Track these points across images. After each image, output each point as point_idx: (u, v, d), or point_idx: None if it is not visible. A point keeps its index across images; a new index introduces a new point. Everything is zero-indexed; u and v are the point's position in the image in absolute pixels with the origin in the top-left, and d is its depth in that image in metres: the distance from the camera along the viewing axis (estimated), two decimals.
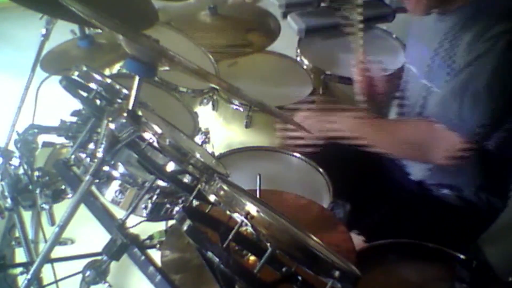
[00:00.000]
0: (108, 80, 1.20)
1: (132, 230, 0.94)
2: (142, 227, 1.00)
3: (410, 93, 1.57)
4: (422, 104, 1.49)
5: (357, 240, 1.44)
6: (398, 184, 1.64)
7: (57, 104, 1.50)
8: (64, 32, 1.81)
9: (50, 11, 1.43)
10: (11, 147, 1.30)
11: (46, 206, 1.21)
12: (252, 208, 0.73)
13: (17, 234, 1.32)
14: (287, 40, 2.33)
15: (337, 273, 0.72)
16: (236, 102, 1.89)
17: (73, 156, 1.10)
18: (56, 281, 1.19)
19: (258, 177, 1.14)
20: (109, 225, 0.96)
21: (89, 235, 1.36)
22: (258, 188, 1.13)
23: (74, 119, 1.22)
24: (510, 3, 1.32)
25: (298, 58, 2.19)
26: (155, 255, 1.00)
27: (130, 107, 0.98)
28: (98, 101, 1.15)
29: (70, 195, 1.18)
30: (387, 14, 2.52)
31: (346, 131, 1.44)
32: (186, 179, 1.04)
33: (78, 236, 1.49)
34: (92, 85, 1.17)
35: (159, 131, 1.00)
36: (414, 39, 1.59)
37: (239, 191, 0.85)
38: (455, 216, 1.55)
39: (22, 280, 1.02)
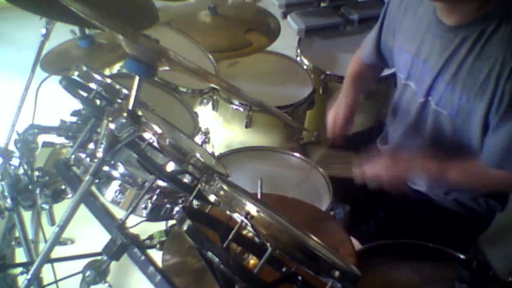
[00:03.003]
0: (108, 80, 1.20)
1: (132, 230, 0.94)
2: (142, 227, 1.00)
3: (405, 107, 1.52)
4: (418, 120, 1.46)
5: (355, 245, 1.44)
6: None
7: (57, 104, 1.50)
8: (64, 32, 1.81)
9: (48, 13, 1.44)
10: (11, 147, 1.30)
11: (46, 206, 1.21)
12: (252, 208, 0.73)
13: (17, 234, 1.32)
14: (287, 40, 2.33)
15: (337, 273, 0.72)
16: (236, 102, 1.88)
17: (73, 156, 1.10)
18: (56, 281, 1.19)
19: (259, 182, 1.14)
20: (109, 225, 0.96)
21: (89, 235, 1.36)
22: (259, 192, 1.13)
23: (74, 119, 1.22)
24: None
25: (298, 58, 2.19)
26: (155, 255, 1.00)
27: (130, 107, 0.98)
28: (98, 101, 1.15)
29: (70, 195, 1.18)
30: None
31: (427, 175, 1.46)
32: (186, 179, 1.04)
33: (78, 236, 1.49)
34: (92, 85, 1.17)
35: (159, 131, 1.00)
36: (406, 54, 1.46)
37: (239, 191, 0.85)
38: (453, 221, 1.54)
39: (22, 280, 1.02)
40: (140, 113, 1.01)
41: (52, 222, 1.25)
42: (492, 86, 1.24)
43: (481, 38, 1.26)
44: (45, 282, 1.17)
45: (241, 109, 1.88)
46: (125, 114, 0.96)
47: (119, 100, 1.15)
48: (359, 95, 1.70)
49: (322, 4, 2.68)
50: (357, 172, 1.43)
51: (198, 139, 1.75)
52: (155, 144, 0.96)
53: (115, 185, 1.05)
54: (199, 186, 0.87)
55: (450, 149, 1.42)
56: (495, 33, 1.24)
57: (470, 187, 1.47)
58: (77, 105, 1.19)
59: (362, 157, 1.45)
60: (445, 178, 1.41)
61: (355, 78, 1.71)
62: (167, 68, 1.06)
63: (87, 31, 1.85)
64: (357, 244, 1.38)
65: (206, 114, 1.93)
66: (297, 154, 1.69)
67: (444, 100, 1.35)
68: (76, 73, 1.20)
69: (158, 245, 1.19)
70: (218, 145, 2.00)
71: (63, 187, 1.19)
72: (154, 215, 1.07)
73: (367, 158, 1.45)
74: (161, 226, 1.31)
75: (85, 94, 1.15)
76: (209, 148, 1.88)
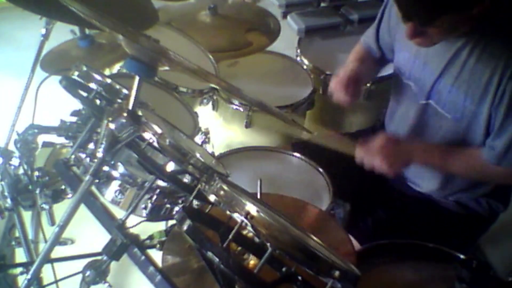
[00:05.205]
0: (108, 80, 1.20)
1: (132, 230, 0.94)
2: (142, 227, 1.00)
3: (405, 108, 1.52)
4: (418, 122, 1.46)
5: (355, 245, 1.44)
6: (397, 189, 1.62)
7: (57, 104, 1.50)
8: (64, 32, 1.81)
9: (48, 13, 1.44)
10: (11, 147, 1.30)
11: (46, 206, 1.21)
12: (252, 208, 0.73)
13: (17, 234, 1.32)
14: (287, 40, 2.33)
15: (337, 273, 0.72)
16: (236, 102, 1.88)
17: (73, 156, 1.10)
18: (56, 281, 1.19)
19: (258, 182, 1.14)
20: (109, 225, 0.96)
21: (89, 235, 1.36)
22: (258, 193, 1.13)
23: (74, 119, 1.22)
24: None
25: (298, 58, 2.19)
26: (155, 255, 1.00)
27: (130, 107, 0.98)
28: (98, 101, 1.15)
29: (70, 195, 1.18)
30: None
31: (423, 161, 1.44)
32: (186, 179, 1.04)
33: (78, 236, 1.49)
34: (92, 85, 1.17)
35: (159, 131, 1.00)
36: (406, 53, 1.46)
37: (239, 191, 0.85)
38: (454, 222, 1.54)
39: (22, 280, 1.02)
40: (140, 113, 1.01)
41: (52, 222, 1.25)
42: (495, 86, 1.24)
43: (482, 39, 1.26)
44: (45, 282, 1.18)
45: (241, 109, 1.88)
46: (125, 114, 0.96)
47: (119, 100, 1.15)
48: (362, 67, 1.63)
49: (322, 4, 2.68)
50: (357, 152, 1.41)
51: (198, 139, 1.75)
52: (155, 144, 0.96)
53: (115, 185, 1.05)
54: (199, 186, 0.87)
55: None
56: (497, 35, 1.25)
57: (468, 177, 1.47)
58: (77, 105, 1.19)
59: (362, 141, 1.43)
60: (445, 168, 1.42)
61: (358, 55, 1.68)
62: (167, 68, 1.06)
63: (87, 31, 1.85)
64: (356, 244, 1.38)
65: (206, 114, 1.93)
66: (297, 154, 1.68)
67: (449, 104, 1.35)
68: (76, 73, 1.20)
69: (158, 245, 1.19)
70: (218, 145, 2.00)
71: (63, 187, 1.19)
72: (154, 215, 1.07)
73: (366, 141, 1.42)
74: (161, 226, 1.31)
75: (85, 94, 1.15)
76: (209, 148, 1.88)
